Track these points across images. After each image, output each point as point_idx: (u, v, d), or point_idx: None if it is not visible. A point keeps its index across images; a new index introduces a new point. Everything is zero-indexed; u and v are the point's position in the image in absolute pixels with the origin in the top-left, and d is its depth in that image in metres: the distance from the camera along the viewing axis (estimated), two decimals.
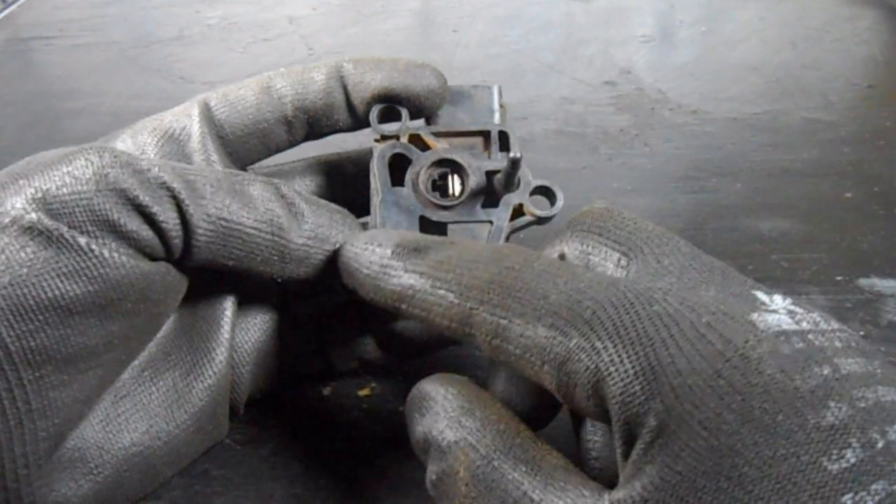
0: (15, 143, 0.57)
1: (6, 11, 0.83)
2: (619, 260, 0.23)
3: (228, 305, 0.29)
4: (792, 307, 0.20)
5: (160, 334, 0.28)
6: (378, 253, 0.26)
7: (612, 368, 0.19)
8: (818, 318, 0.20)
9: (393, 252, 0.25)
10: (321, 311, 0.33)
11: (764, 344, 0.18)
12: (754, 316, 0.19)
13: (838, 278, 0.41)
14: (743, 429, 0.17)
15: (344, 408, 0.33)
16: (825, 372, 0.17)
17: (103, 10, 0.84)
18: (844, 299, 0.39)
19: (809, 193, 0.48)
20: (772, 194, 0.48)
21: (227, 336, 0.29)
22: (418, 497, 0.29)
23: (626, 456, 0.19)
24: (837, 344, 0.19)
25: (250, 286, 0.31)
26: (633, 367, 0.19)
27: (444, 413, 0.23)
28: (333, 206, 0.29)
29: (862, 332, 0.37)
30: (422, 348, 0.34)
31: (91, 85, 0.66)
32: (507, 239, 0.31)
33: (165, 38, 0.76)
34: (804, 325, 0.19)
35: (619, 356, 0.19)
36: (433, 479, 0.22)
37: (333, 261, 0.28)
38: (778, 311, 0.19)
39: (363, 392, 0.34)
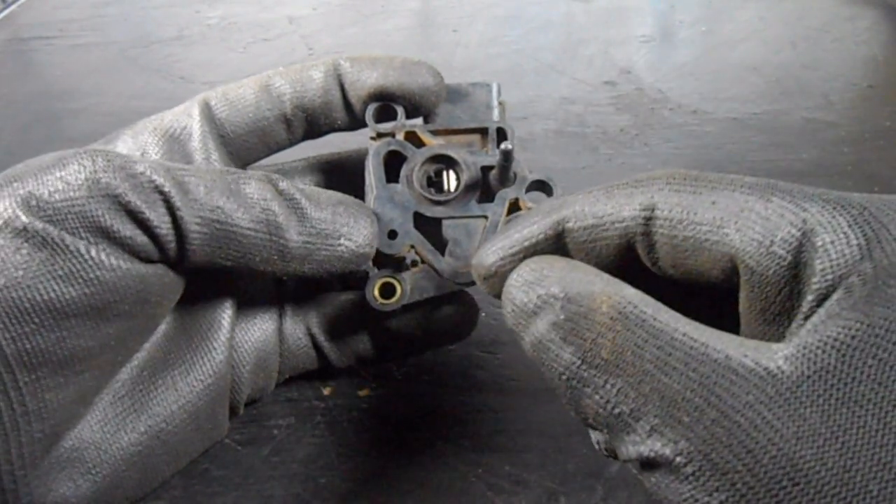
0: (15, 143, 0.57)
1: (6, 11, 0.83)
2: None
3: (228, 306, 0.29)
4: None
5: (159, 334, 0.28)
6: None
7: (824, 220, 0.19)
8: None
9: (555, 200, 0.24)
10: (319, 310, 0.33)
11: None
12: None
13: None
14: None
15: (344, 408, 0.33)
16: None
17: (103, 10, 0.84)
18: None
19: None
20: None
21: (226, 336, 0.29)
22: (418, 497, 0.29)
23: (810, 315, 0.19)
24: None
25: (250, 286, 0.31)
26: (848, 221, 0.19)
27: (567, 272, 0.21)
28: (338, 195, 0.29)
29: None
30: (419, 346, 0.34)
31: (91, 85, 0.66)
32: None
33: (165, 38, 0.76)
34: None
35: (832, 212, 0.19)
36: (555, 322, 0.20)
37: (342, 255, 0.28)
38: None
39: (363, 392, 0.34)
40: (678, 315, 0.19)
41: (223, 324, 0.29)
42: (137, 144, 0.30)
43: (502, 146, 0.28)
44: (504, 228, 0.25)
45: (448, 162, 0.31)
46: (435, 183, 0.31)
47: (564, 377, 0.20)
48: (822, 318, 0.18)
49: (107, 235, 0.23)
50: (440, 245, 0.30)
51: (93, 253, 0.23)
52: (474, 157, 0.30)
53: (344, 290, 0.34)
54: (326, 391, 0.34)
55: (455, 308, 0.32)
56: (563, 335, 0.20)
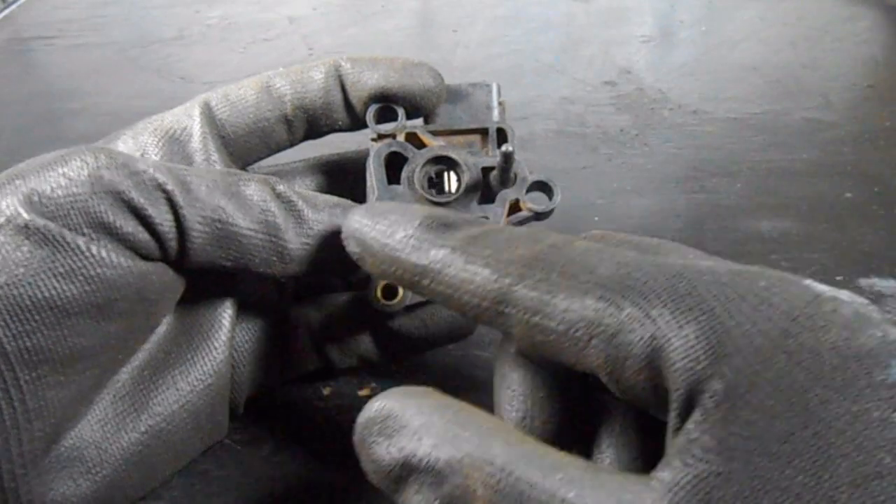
0: (15, 144, 0.57)
1: (6, 11, 0.83)
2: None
3: (228, 305, 0.29)
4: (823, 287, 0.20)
5: (160, 333, 0.28)
6: (401, 223, 0.23)
7: (671, 334, 0.18)
8: (852, 295, 0.20)
9: (420, 224, 0.23)
10: (320, 310, 0.33)
11: (826, 304, 0.18)
12: (808, 281, 0.19)
13: (838, 278, 0.41)
14: (816, 386, 0.17)
15: (344, 408, 0.33)
16: (879, 334, 0.18)
17: (103, 10, 0.84)
18: None
19: (809, 193, 0.48)
20: (772, 194, 0.48)
21: (226, 335, 0.29)
22: None
23: (677, 430, 0.18)
24: (878, 315, 0.19)
25: (250, 286, 0.31)
26: (695, 332, 0.18)
27: (427, 430, 0.19)
28: (334, 198, 0.29)
29: None
30: (420, 346, 0.34)
31: (91, 85, 0.66)
32: None
33: (165, 38, 0.76)
34: (844, 296, 0.19)
35: (679, 322, 0.18)
36: None
37: (339, 258, 0.27)
38: (824, 285, 0.19)
39: (363, 392, 0.34)
40: (556, 466, 0.18)
41: (224, 323, 0.29)
42: (137, 145, 0.30)
43: (503, 148, 0.28)
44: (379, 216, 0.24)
45: (449, 163, 0.31)
46: (436, 184, 0.31)
47: None
48: (681, 448, 0.17)
49: (109, 232, 0.23)
50: None
51: (94, 250, 0.23)
52: (475, 158, 0.30)
53: (346, 290, 0.34)
54: (326, 391, 0.34)
55: None
56: None
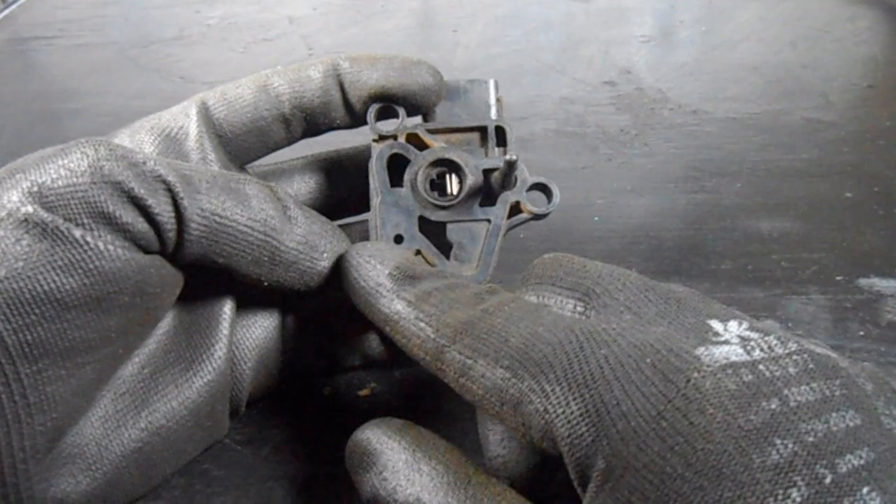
0: (15, 143, 0.57)
1: (6, 11, 0.83)
2: (574, 306, 0.24)
3: (227, 303, 0.29)
4: (747, 333, 0.20)
5: (160, 331, 0.28)
6: (377, 270, 0.26)
7: (559, 410, 0.19)
8: (774, 342, 0.19)
9: (390, 273, 0.26)
10: (324, 309, 0.33)
11: (707, 381, 0.18)
12: (701, 350, 0.19)
13: (838, 278, 0.41)
14: (687, 472, 0.17)
15: (344, 408, 0.33)
16: (772, 406, 0.17)
17: (103, 10, 0.84)
18: (844, 299, 0.39)
19: (809, 193, 0.48)
20: (772, 194, 0.48)
21: (225, 333, 0.29)
22: None
23: (583, 495, 0.19)
24: (791, 370, 0.18)
25: (251, 285, 0.31)
26: (580, 410, 0.19)
27: (390, 469, 0.23)
28: (324, 218, 0.30)
29: (862, 332, 0.37)
30: None
31: (91, 85, 0.66)
32: (505, 235, 0.31)
33: (165, 38, 0.76)
34: (756, 353, 0.19)
35: (566, 399, 0.19)
36: None
37: (321, 270, 0.28)
38: (729, 340, 0.19)
39: (363, 392, 0.34)
40: None
41: (223, 321, 0.29)
42: (134, 143, 0.30)
43: (507, 157, 0.28)
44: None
45: (451, 166, 0.31)
46: (438, 186, 0.31)
47: None
48: None
49: (108, 222, 0.24)
50: (445, 248, 0.30)
51: (93, 243, 0.23)
52: (476, 161, 0.30)
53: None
54: (326, 391, 0.34)
55: None
56: None
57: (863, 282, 0.40)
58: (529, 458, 0.23)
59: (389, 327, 0.25)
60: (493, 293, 0.25)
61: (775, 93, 0.62)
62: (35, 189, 0.23)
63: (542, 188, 0.31)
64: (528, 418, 0.20)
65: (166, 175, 0.25)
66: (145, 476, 0.27)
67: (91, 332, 0.24)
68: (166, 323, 0.29)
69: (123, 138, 0.30)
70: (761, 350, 0.19)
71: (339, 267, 0.28)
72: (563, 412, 0.19)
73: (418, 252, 0.30)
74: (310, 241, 0.28)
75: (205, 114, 0.30)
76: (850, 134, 0.55)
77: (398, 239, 0.30)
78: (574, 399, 0.19)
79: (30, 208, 0.22)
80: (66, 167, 0.23)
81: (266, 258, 0.27)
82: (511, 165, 0.28)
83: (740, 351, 0.19)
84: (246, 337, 0.31)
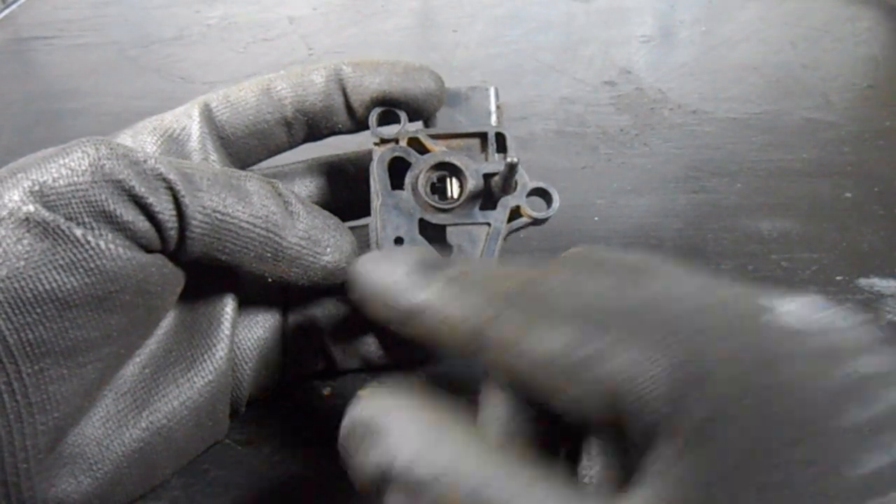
0: (15, 143, 0.57)
1: (6, 11, 0.83)
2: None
3: (229, 302, 0.29)
4: (810, 304, 0.19)
5: (161, 331, 0.29)
6: (395, 270, 0.24)
7: (634, 370, 0.18)
8: (839, 316, 0.19)
9: (408, 270, 0.24)
10: (324, 310, 0.33)
11: (786, 343, 0.18)
12: (777, 314, 0.19)
13: (838, 278, 0.41)
14: (768, 431, 0.17)
15: (344, 408, 0.33)
16: (845, 373, 0.17)
17: (103, 10, 0.84)
18: (844, 299, 0.39)
19: (809, 193, 0.48)
20: (772, 194, 0.48)
21: (227, 333, 0.29)
22: None
23: (647, 459, 0.18)
24: (856, 344, 0.18)
25: (252, 284, 0.31)
26: (658, 368, 0.18)
27: (406, 442, 0.20)
28: (327, 212, 0.29)
29: None
30: (423, 348, 0.34)
31: (91, 85, 0.66)
32: (505, 240, 0.31)
33: (165, 38, 0.76)
34: (824, 323, 0.19)
35: (646, 356, 0.18)
36: None
37: (325, 265, 0.28)
38: (798, 309, 0.19)
39: (363, 392, 0.34)
40: (530, 482, 0.18)
41: (224, 321, 0.29)
42: (137, 144, 0.30)
43: (508, 159, 0.28)
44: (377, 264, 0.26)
45: (452, 169, 0.31)
46: (439, 189, 0.31)
47: None
48: (648, 479, 0.17)
49: (109, 221, 0.24)
50: (445, 251, 0.30)
51: (94, 242, 0.23)
52: (476, 165, 0.31)
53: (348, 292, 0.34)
54: (326, 391, 0.34)
55: None
56: None
57: (863, 282, 0.40)
58: (531, 441, 0.22)
59: (415, 321, 0.23)
60: (530, 266, 0.23)
61: (775, 93, 0.62)
62: (36, 188, 0.23)
63: (542, 193, 0.31)
64: (592, 384, 0.19)
65: (167, 173, 0.25)
66: (146, 476, 0.27)
67: (93, 331, 0.24)
68: (167, 322, 0.29)
69: (126, 139, 0.30)
70: (827, 321, 0.19)
71: (350, 276, 0.27)
72: (640, 371, 0.18)
73: None
74: (312, 236, 0.28)
75: (207, 115, 0.31)
76: (850, 134, 0.55)
77: (398, 241, 0.30)
78: (652, 359, 0.18)
79: (31, 207, 0.22)
80: (67, 166, 0.23)
81: (269, 254, 0.27)
82: (512, 168, 0.29)
83: (810, 319, 0.19)
84: (247, 337, 0.31)
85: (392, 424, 0.20)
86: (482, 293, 0.22)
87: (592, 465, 0.21)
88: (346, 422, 0.22)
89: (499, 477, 0.18)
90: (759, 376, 0.17)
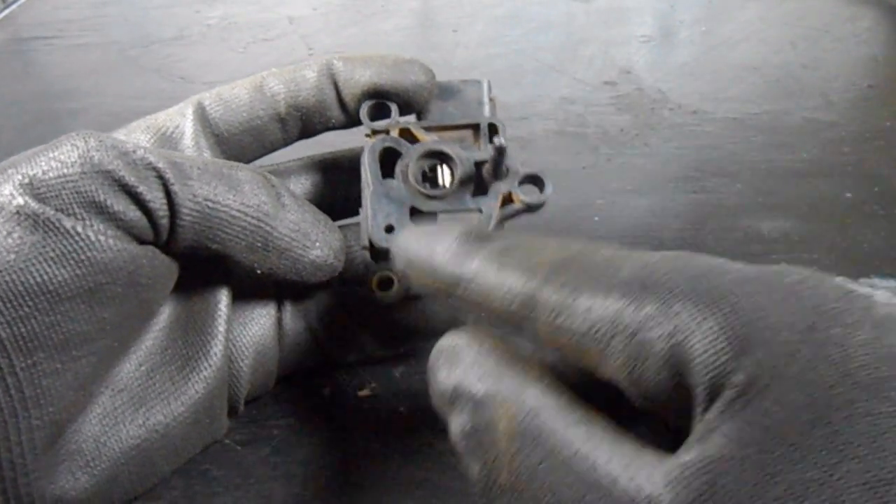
0: (15, 143, 0.57)
1: (6, 11, 0.83)
2: None
3: (223, 298, 0.29)
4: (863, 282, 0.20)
5: (157, 328, 0.29)
6: (441, 240, 0.24)
7: (693, 329, 0.18)
8: (891, 294, 0.19)
9: (457, 238, 0.24)
10: (319, 305, 0.33)
11: (857, 301, 0.18)
12: (839, 279, 0.19)
13: (838, 278, 0.40)
14: (841, 383, 0.16)
15: (344, 408, 0.33)
16: None
17: (103, 10, 0.84)
18: None
19: (809, 193, 0.48)
20: (772, 194, 0.48)
21: (222, 329, 0.29)
22: (418, 497, 0.29)
23: (688, 426, 0.18)
24: None
25: (247, 280, 0.31)
26: (719, 324, 0.18)
27: (479, 364, 0.21)
28: (317, 209, 0.30)
29: None
30: (419, 337, 0.34)
31: (91, 85, 0.66)
32: (500, 226, 0.31)
33: (165, 38, 0.76)
34: (881, 296, 0.19)
35: (701, 316, 0.18)
36: (464, 430, 0.21)
37: (313, 259, 0.28)
38: (850, 282, 0.19)
39: (363, 392, 0.34)
40: (581, 420, 0.19)
41: (218, 317, 0.29)
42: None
43: (495, 142, 0.28)
44: (423, 235, 0.25)
45: (442, 157, 0.31)
46: (429, 178, 0.31)
47: (476, 490, 0.20)
48: (700, 435, 0.17)
49: (100, 211, 0.24)
50: None
51: (84, 233, 0.23)
52: (467, 153, 0.31)
53: (342, 286, 0.34)
54: (326, 391, 0.34)
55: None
56: (469, 448, 0.20)
57: (863, 282, 0.40)
58: None
59: (462, 289, 0.23)
60: (578, 242, 0.23)
61: (775, 93, 0.62)
62: (26, 181, 0.23)
63: (534, 179, 0.31)
64: (647, 347, 0.19)
65: (156, 162, 0.25)
66: (144, 474, 0.27)
67: (85, 324, 0.24)
68: (162, 319, 0.29)
69: (119, 137, 0.30)
70: (881, 297, 0.19)
71: (394, 249, 0.26)
72: (700, 328, 0.18)
73: None
74: (302, 229, 0.28)
75: (201, 113, 0.31)
76: (850, 134, 0.55)
77: (389, 229, 0.30)
78: (711, 314, 0.18)
79: (21, 200, 0.23)
80: (56, 159, 0.24)
81: (259, 244, 0.27)
82: (501, 151, 0.29)
83: (869, 289, 0.19)
84: (243, 334, 0.31)
85: (471, 352, 0.22)
86: (531, 262, 0.22)
87: (641, 428, 0.21)
88: (437, 346, 0.23)
89: (553, 408, 0.19)
90: (820, 334, 0.17)
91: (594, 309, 0.20)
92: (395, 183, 0.30)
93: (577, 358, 0.21)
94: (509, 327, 0.22)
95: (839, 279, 0.19)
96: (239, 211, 0.26)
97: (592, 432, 0.19)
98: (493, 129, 0.32)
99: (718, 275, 0.19)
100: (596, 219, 0.47)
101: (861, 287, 0.19)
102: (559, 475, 0.18)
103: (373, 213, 0.30)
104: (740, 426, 0.17)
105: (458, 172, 0.30)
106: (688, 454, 0.17)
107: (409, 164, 0.30)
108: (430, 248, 0.24)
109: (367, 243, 0.30)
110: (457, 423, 0.21)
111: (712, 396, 0.18)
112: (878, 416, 0.16)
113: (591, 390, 0.22)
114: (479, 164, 0.31)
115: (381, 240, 0.30)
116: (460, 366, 0.22)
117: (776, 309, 0.18)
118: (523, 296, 0.21)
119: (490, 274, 0.22)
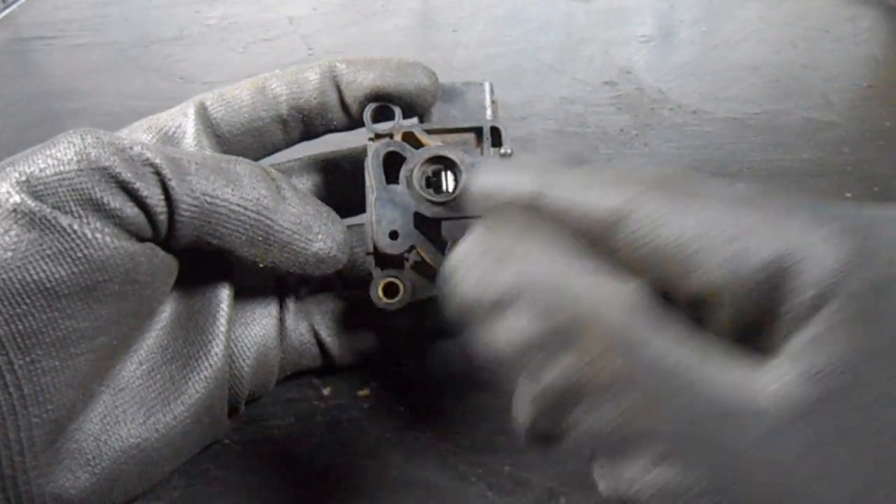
0: (15, 143, 0.56)
1: (6, 11, 0.83)
2: None
3: (224, 297, 0.29)
4: None
5: (157, 327, 0.29)
6: (529, 165, 0.22)
7: (803, 234, 0.17)
8: None
9: (554, 160, 0.22)
10: (321, 306, 0.33)
11: None
12: None
13: None
14: None
15: (344, 408, 0.33)
16: None
17: (103, 10, 0.84)
18: None
19: (809, 193, 0.48)
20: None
21: (223, 328, 0.29)
22: (418, 497, 0.29)
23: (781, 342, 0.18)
24: None
25: (250, 280, 0.31)
26: (831, 233, 0.17)
27: (548, 253, 0.19)
28: (319, 201, 0.29)
29: None
30: (421, 342, 0.34)
31: (91, 85, 0.66)
32: None
33: (165, 38, 0.76)
34: None
35: (812, 226, 0.17)
36: (537, 332, 0.18)
37: (316, 252, 0.28)
38: None
39: (363, 392, 0.34)
40: (672, 333, 0.18)
41: (219, 316, 0.29)
42: None
43: (503, 150, 0.28)
44: (489, 168, 0.23)
45: (446, 163, 0.31)
46: (433, 183, 0.31)
47: (551, 390, 0.18)
48: (804, 344, 0.17)
49: (97, 209, 0.24)
50: (440, 245, 0.30)
51: (81, 230, 0.23)
52: (472, 158, 0.31)
53: (345, 288, 0.34)
54: (326, 391, 0.34)
55: None
56: (548, 351, 0.18)
57: None
58: None
59: (546, 201, 0.21)
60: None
61: (775, 93, 0.62)
62: (23, 179, 0.23)
63: None
64: (746, 257, 0.18)
65: (153, 158, 0.25)
66: (144, 473, 0.27)
67: (83, 321, 0.24)
68: (163, 318, 0.29)
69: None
70: None
71: (470, 186, 0.23)
72: (810, 237, 0.17)
73: (412, 248, 0.30)
74: (304, 222, 0.28)
75: (203, 114, 0.31)
76: (850, 134, 0.55)
77: (393, 235, 0.30)
78: (822, 225, 0.17)
79: (18, 198, 0.23)
80: (53, 156, 0.24)
81: (260, 238, 0.27)
82: (506, 158, 0.29)
83: None
84: (244, 334, 0.31)
85: (527, 242, 0.20)
86: (625, 179, 0.20)
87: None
88: (462, 245, 0.20)
89: (645, 323, 0.18)
90: None
91: (689, 223, 0.19)
92: (399, 188, 0.30)
93: (664, 271, 0.19)
94: (583, 243, 0.20)
95: None
96: (238, 205, 0.26)
97: (685, 341, 0.18)
98: (495, 133, 0.32)
99: (817, 204, 0.18)
100: None
101: None
102: (661, 383, 0.17)
103: (377, 218, 0.30)
104: (850, 334, 0.16)
105: (462, 178, 0.30)
106: (787, 368, 0.17)
107: (414, 169, 0.30)
108: (516, 172, 0.22)
109: (372, 249, 0.30)
110: (517, 327, 0.18)
111: (817, 304, 0.17)
112: None
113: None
114: None
115: (387, 246, 0.30)
116: (517, 257, 0.19)
117: (883, 229, 0.17)
118: (612, 210, 0.20)
119: (579, 185, 0.21)
